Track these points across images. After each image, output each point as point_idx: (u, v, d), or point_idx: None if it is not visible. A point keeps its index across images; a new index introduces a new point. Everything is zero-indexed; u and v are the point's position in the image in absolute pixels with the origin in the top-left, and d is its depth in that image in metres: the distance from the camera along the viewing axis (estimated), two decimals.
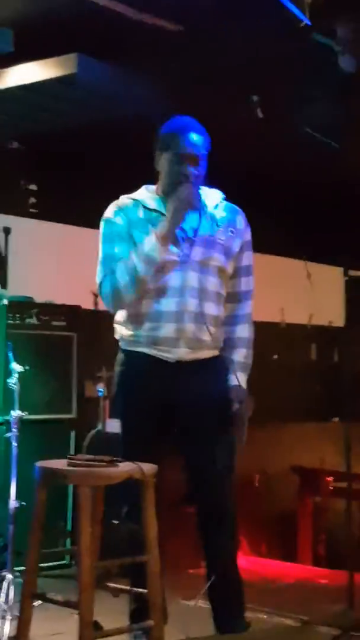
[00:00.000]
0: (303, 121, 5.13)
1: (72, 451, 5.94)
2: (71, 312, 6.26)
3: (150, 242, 3.94)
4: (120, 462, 3.73)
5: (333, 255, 7.97)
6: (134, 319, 4.04)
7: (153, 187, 4.18)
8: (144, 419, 4.03)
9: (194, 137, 4.06)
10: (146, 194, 4.16)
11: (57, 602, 3.73)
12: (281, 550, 7.19)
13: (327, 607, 5.16)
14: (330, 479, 7.56)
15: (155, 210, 4.05)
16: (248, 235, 4.21)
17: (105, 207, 7.26)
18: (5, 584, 4.64)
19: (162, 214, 4.02)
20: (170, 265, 3.97)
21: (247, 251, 4.20)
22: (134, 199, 4.15)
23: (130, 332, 4.06)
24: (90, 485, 3.57)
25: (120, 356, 4.16)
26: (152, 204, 4.09)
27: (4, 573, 4.71)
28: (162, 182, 4.12)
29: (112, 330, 6.43)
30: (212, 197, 4.15)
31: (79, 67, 4.99)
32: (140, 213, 4.08)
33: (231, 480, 4.13)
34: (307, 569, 6.68)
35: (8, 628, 4.29)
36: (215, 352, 4.11)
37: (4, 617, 4.42)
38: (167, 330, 3.96)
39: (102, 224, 4.16)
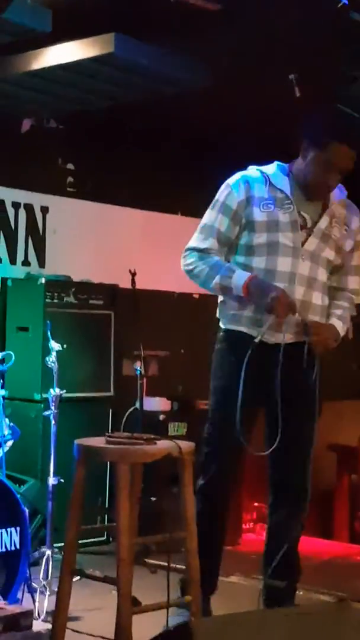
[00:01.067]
0: (341, 100, 5.11)
1: (109, 429, 5.98)
2: (109, 291, 6.29)
3: (238, 279, 3.97)
4: (158, 439, 3.75)
5: None
6: (239, 298, 4.04)
7: (286, 166, 4.16)
8: (236, 398, 3.96)
9: (349, 150, 4.01)
10: (276, 170, 4.14)
11: (96, 577, 3.78)
12: (318, 528, 7.21)
13: None
14: None
15: (281, 191, 4.06)
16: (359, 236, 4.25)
17: (142, 186, 7.33)
18: (44, 560, 4.71)
19: (288, 198, 4.04)
20: (284, 250, 4.01)
21: (358, 251, 4.24)
22: (262, 172, 4.13)
23: (233, 311, 4.09)
24: (128, 462, 3.60)
25: (219, 335, 4.19)
26: (280, 183, 4.08)
27: (43, 549, 4.78)
28: (302, 171, 4.09)
29: (148, 308, 6.48)
30: (335, 192, 4.16)
31: (116, 47, 4.98)
32: (266, 189, 4.07)
33: (310, 465, 4.20)
34: (344, 546, 6.69)
35: (47, 603, 4.34)
36: None
37: (43, 593, 4.49)
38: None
39: (222, 188, 4.15)
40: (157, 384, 6.83)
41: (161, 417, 6.32)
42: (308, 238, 4.05)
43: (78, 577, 3.90)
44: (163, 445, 3.71)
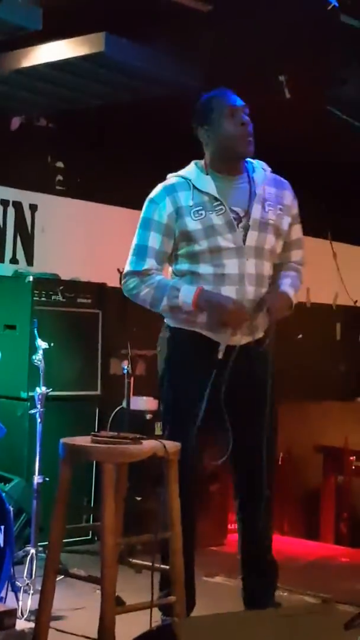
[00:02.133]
0: (330, 102, 5.12)
1: (96, 428, 5.98)
2: (97, 290, 6.29)
3: (185, 297, 3.90)
4: (144, 439, 3.75)
5: (357, 235, 7.98)
6: (189, 312, 3.96)
7: (201, 163, 4.09)
8: (193, 400, 3.96)
9: (234, 95, 4.05)
10: (196, 171, 4.05)
11: (80, 577, 3.78)
12: (304, 529, 7.22)
13: (348, 585, 5.19)
14: (353, 458, 7.58)
15: (207, 194, 3.96)
16: (296, 209, 4.16)
17: (131, 185, 7.31)
18: (28, 559, 4.70)
19: (216, 199, 3.94)
20: (227, 253, 3.92)
21: (296, 224, 4.16)
22: (183, 178, 4.04)
23: (186, 316, 3.98)
24: (114, 462, 3.60)
25: (166, 334, 4.13)
26: (204, 185, 3.98)
27: (27, 548, 4.77)
28: (213, 152, 4.04)
29: (137, 307, 6.46)
30: (259, 172, 4.08)
31: (107, 46, 4.97)
32: (191, 196, 3.96)
33: (273, 463, 4.18)
34: (330, 548, 6.70)
35: (31, 602, 4.34)
36: (262, 334, 4.08)
37: (27, 592, 4.48)
38: None
39: (145, 204, 4.08)
40: (145, 384, 6.82)
41: (148, 416, 6.31)
42: (247, 233, 3.94)
43: (62, 577, 3.90)
44: (149, 445, 3.71)
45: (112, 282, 6.10)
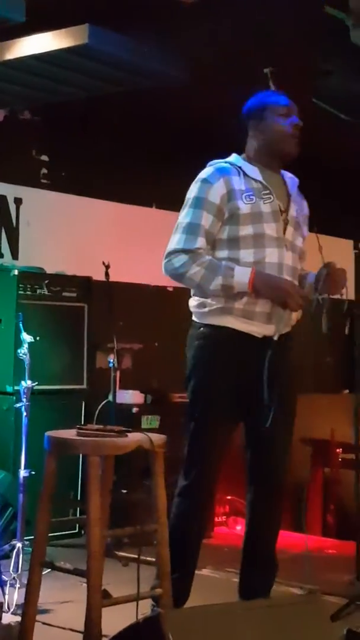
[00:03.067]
0: (315, 94, 5.11)
1: (82, 422, 5.97)
2: (82, 283, 6.27)
3: (241, 276, 3.89)
4: (130, 432, 3.74)
5: (344, 228, 7.98)
6: (240, 294, 3.95)
7: (243, 156, 4.12)
8: (225, 397, 3.98)
9: (285, 97, 4.13)
10: (241, 160, 4.09)
11: (66, 570, 3.77)
12: (291, 521, 7.22)
13: (335, 577, 5.20)
14: (339, 450, 7.59)
15: (256, 180, 4.01)
16: (307, 220, 4.27)
17: (116, 178, 7.30)
18: (14, 553, 4.69)
19: (265, 187, 4.00)
20: (270, 241, 3.97)
21: (305, 226, 4.25)
22: (231, 163, 4.07)
23: (221, 305, 3.98)
24: (99, 455, 3.60)
25: (199, 331, 4.07)
26: (253, 173, 4.04)
27: (13, 542, 4.76)
28: (261, 145, 4.08)
29: (122, 301, 6.47)
30: (290, 180, 4.18)
31: (91, 38, 4.96)
32: (242, 181, 4.00)
33: (289, 461, 4.20)
34: (316, 539, 6.71)
35: (17, 596, 4.33)
36: (290, 328, 4.13)
37: (13, 585, 4.47)
38: (263, 305, 3.95)
39: (198, 184, 4.03)
40: (131, 377, 6.83)
41: (134, 410, 6.31)
42: (286, 227, 4.04)
43: (48, 570, 3.89)
44: (134, 437, 3.70)
45: (98, 275, 6.09)
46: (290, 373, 4.07)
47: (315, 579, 5.11)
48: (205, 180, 4.02)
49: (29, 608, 3.75)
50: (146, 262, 7.19)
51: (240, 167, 4.05)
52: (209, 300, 4.02)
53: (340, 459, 7.58)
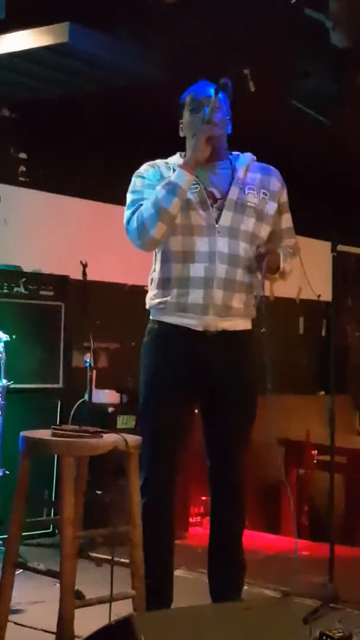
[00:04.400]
0: (294, 95, 5.12)
1: (58, 421, 5.96)
2: (59, 282, 6.26)
3: (175, 172, 3.91)
4: (104, 432, 3.74)
5: (321, 229, 8.00)
6: (162, 285, 3.99)
7: (183, 153, 4.12)
8: (170, 388, 3.99)
9: (205, 87, 4.08)
10: (179, 159, 4.09)
11: (39, 570, 3.76)
12: (265, 522, 7.24)
13: (308, 579, 5.20)
14: (314, 452, 7.60)
15: None
16: (284, 196, 4.17)
17: (95, 177, 7.29)
18: None
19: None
20: (198, 230, 3.93)
21: (285, 213, 4.17)
22: (166, 162, 4.10)
23: (158, 300, 4.00)
24: (74, 455, 3.59)
25: (148, 326, 4.12)
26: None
27: None
28: (188, 140, 4.07)
29: (99, 300, 6.46)
30: (242, 160, 4.11)
31: (71, 36, 4.96)
32: (170, 173, 4.00)
33: (246, 457, 4.17)
34: (290, 541, 6.72)
35: None
36: (247, 324, 4.08)
37: None
38: (195, 296, 3.91)
39: (133, 180, 4.07)
40: (107, 377, 6.82)
41: (110, 409, 6.31)
42: (221, 213, 3.96)
43: (21, 570, 3.88)
44: (109, 438, 3.70)
45: (75, 274, 6.08)
46: (244, 371, 4.05)
47: (288, 580, 5.12)
48: (138, 174, 4.08)
49: (1, 608, 3.73)
50: (123, 261, 7.19)
51: (172, 163, 4.06)
52: (150, 297, 4.05)
53: (315, 460, 7.59)
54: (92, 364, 6.04)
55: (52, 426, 3.78)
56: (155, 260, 4.07)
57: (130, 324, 7.20)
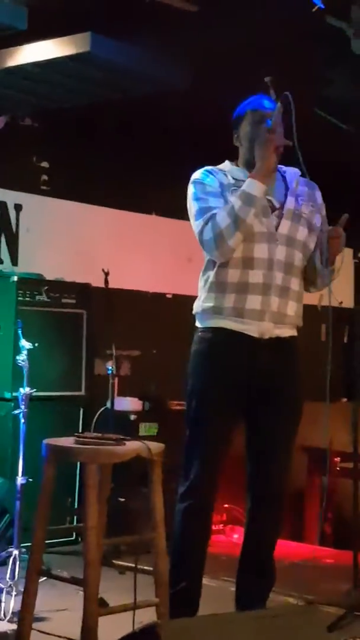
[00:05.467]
0: (317, 103, 5.12)
1: (80, 428, 5.96)
2: (81, 290, 6.27)
3: (247, 182, 3.92)
4: (127, 440, 3.75)
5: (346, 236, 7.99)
6: (217, 289, 3.99)
7: (234, 162, 4.16)
8: (222, 398, 4.00)
9: (265, 100, 4.11)
10: (230, 166, 4.13)
11: (63, 578, 3.77)
12: (288, 530, 7.21)
13: (332, 587, 5.19)
14: (337, 459, 7.57)
15: (242, 181, 4.00)
16: (324, 211, 4.23)
17: (116, 185, 7.30)
18: (11, 560, 4.68)
19: None
20: (259, 237, 3.96)
21: (326, 225, 4.18)
22: (221, 169, 4.11)
23: (212, 304, 4.01)
24: (97, 463, 3.59)
25: (198, 335, 4.10)
26: (239, 175, 4.06)
27: (10, 549, 4.75)
28: (244, 150, 4.11)
29: (121, 308, 6.46)
30: (290, 173, 4.17)
31: (92, 46, 4.97)
32: (231, 180, 4.04)
33: (289, 467, 4.19)
34: (314, 549, 6.70)
35: (13, 604, 4.32)
36: (295, 332, 4.13)
37: (9, 593, 4.46)
38: (253, 302, 3.95)
39: (191, 187, 4.08)
40: (129, 384, 6.83)
41: (132, 417, 6.31)
42: (280, 221, 4.02)
43: (45, 578, 3.88)
44: (132, 446, 3.70)
45: (97, 282, 6.10)
46: (293, 378, 4.08)
47: (312, 588, 5.11)
48: (196, 181, 4.08)
49: (25, 616, 3.75)
50: (145, 269, 7.21)
51: (227, 171, 4.09)
52: (202, 301, 4.05)
53: (338, 468, 7.56)
54: (115, 372, 6.05)
55: (75, 434, 3.79)
56: (209, 264, 4.07)
57: (152, 332, 7.23)
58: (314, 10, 4.36)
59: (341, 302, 8.32)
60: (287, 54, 5.12)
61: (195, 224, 4.03)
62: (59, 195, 6.84)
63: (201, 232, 3.98)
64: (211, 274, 4.03)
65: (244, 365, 3.98)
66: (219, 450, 4.05)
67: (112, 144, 6.98)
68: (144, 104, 6.09)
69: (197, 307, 4.11)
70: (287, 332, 4.08)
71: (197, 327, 4.13)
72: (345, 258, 5.52)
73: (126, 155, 7.05)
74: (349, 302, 5.87)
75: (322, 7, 4.34)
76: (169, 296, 7.25)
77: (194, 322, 4.15)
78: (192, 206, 4.06)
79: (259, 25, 4.87)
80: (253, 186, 3.91)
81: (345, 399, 8.67)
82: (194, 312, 4.13)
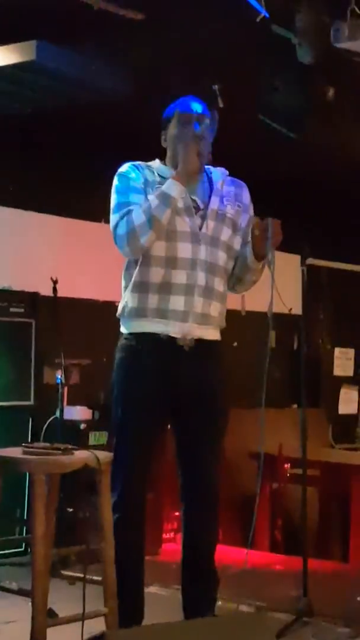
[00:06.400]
0: (262, 110, 5.15)
1: (29, 438, 5.93)
2: (30, 299, 6.24)
3: (166, 183, 3.92)
4: (76, 449, 3.73)
5: (291, 243, 8.03)
6: (139, 288, 3.97)
7: (163, 161, 4.15)
8: (146, 407, 3.98)
9: (194, 103, 4.11)
10: (159, 164, 4.13)
11: (11, 590, 3.74)
12: (238, 536, 7.22)
13: (282, 593, 5.21)
14: (287, 465, 7.60)
15: (167, 179, 3.99)
16: (252, 210, 4.22)
17: (63, 193, 7.27)
18: None
19: None
20: (182, 237, 3.95)
21: (250, 226, 4.17)
22: (148, 166, 4.11)
23: (135, 305, 3.99)
24: (44, 473, 3.58)
25: (121, 342, 4.10)
26: (166, 173, 4.05)
27: None
28: (170, 151, 4.11)
29: (70, 317, 6.44)
30: (217, 173, 4.17)
31: (38, 54, 4.96)
32: (156, 177, 4.04)
33: (219, 470, 4.17)
34: (264, 555, 6.72)
35: None
36: (218, 335, 4.11)
37: None
38: (177, 302, 3.93)
39: (115, 179, 4.08)
40: (79, 393, 6.79)
41: (82, 426, 6.29)
42: (204, 221, 4.01)
43: None
44: (80, 455, 3.69)
45: (45, 291, 6.07)
46: (217, 383, 4.07)
47: (262, 595, 5.12)
48: (121, 174, 4.08)
49: None
50: (94, 277, 7.18)
51: (155, 168, 4.10)
52: (125, 302, 4.02)
53: (288, 474, 7.59)
54: (64, 381, 6.03)
55: (23, 444, 3.77)
56: (131, 263, 4.05)
57: (102, 340, 7.19)
58: (258, 19, 4.38)
59: (291, 309, 8.35)
60: (233, 61, 5.14)
61: (111, 217, 4.01)
62: (5, 203, 6.79)
63: (116, 226, 3.97)
64: (134, 272, 4.00)
65: (168, 372, 3.96)
66: (144, 461, 4.03)
67: (59, 151, 6.95)
68: (90, 111, 6.08)
69: (120, 309, 4.08)
70: (211, 334, 4.05)
71: (121, 333, 4.11)
72: (292, 265, 5.57)
73: (73, 162, 7.02)
74: (297, 309, 5.88)
75: (267, 15, 4.36)
76: (117, 304, 7.23)
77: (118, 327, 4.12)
78: (112, 199, 4.05)
79: (204, 33, 4.88)
80: (172, 187, 3.90)
81: (295, 405, 8.73)
82: (117, 314, 4.10)
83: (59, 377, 6.00)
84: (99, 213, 7.34)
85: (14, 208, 6.83)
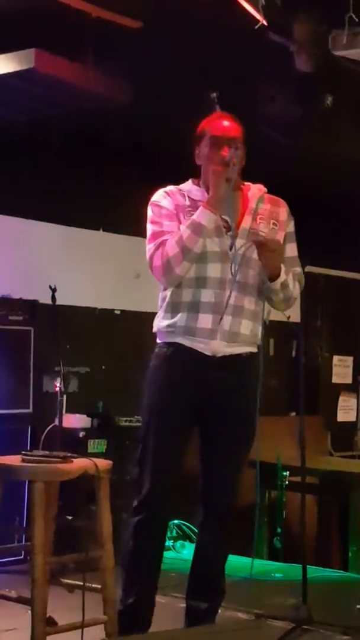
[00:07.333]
0: (260, 119, 5.16)
1: (28, 446, 5.93)
2: (28, 307, 6.24)
3: (198, 211, 3.95)
4: (75, 457, 3.74)
5: None
6: (172, 308, 4.02)
7: (196, 181, 4.18)
8: (176, 416, 4.01)
9: (225, 122, 4.13)
10: (192, 185, 4.15)
11: (10, 598, 3.74)
12: (237, 544, 7.20)
13: (281, 601, 5.20)
14: (286, 473, 7.59)
15: (200, 201, 4.03)
16: (291, 227, 4.24)
17: (61, 201, 7.28)
18: None
19: None
20: (212, 257, 3.98)
21: (290, 243, 4.21)
22: (180, 189, 4.14)
23: (167, 322, 4.03)
24: (44, 480, 3.58)
25: (156, 350, 4.12)
26: (197, 194, 4.08)
27: None
28: (203, 169, 4.13)
29: (69, 324, 6.44)
30: (254, 191, 4.18)
31: (37, 62, 4.97)
32: (185, 200, 4.07)
33: (240, 482, 4.18)
34: (263, 563, 6.71)
35: None
36: (253, 349, 4.11)
37: None
38: (204, 321, 3.96)
39: (149, 209, 4.12)
40: (78, 401, 6.80)
41: (81, 434, 6.29)
42: (234, 241, 4.03)
43: None
44: (80, 463, 3.70)
45: (44, 299, 6.07)
46: (247, 396, 4.06)
47: (261, 603, 5.11)
48: (153, 203, 4.11)
49: None
50: (93, 285, 7.19)
51: (186, 191, 4.12)
52: (159, 320, 4.07)
53: (287, 482, 7.58)
54: (63, 389, 6.03)
55: (22, 452, 3.77)
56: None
57: (101, 348, 7.21)
58: (257, 27, 4.40)
59: (289, 317, 8.32)
60: (230, 70, 5.15)
61: (147, 247, 4.06)
62: (4, 212, 6.79)
63: (152, 257, 4.02)
64: (167, 294, 4.06)
65: (196, 381, 3.99)
66: (171, 464, 4.04)
67: (57, 159, 6.95)
68: (88, 120, 6.09)
69: (155, 325, 4.14)
70: (243, 349, 4.06)
71: (157, 343, 4.15)
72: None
73: (72, 170, 7.03)
74: (296, 317, 5.89)
75: (265, 23, 4.37)
76: (117, 312, 7.24)
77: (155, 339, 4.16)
78: (147, 228, 4.10)
79: (202, 41, 4.89)
80: (203, 216, 3.94)
81: (293, 413, 8.72)
82: (153, 330, 4.15)
83: (58, 385, 6.00)
84: (98, 221, 7.37)
85: (13, 216, 6.83)
